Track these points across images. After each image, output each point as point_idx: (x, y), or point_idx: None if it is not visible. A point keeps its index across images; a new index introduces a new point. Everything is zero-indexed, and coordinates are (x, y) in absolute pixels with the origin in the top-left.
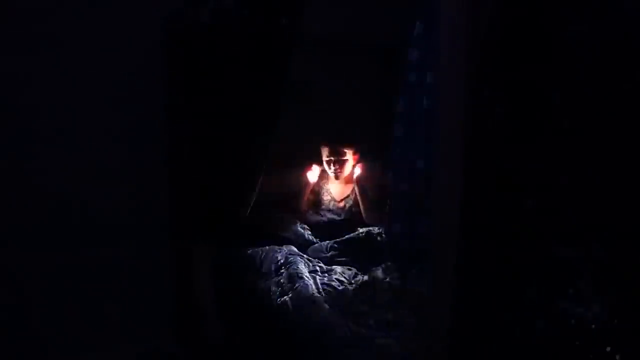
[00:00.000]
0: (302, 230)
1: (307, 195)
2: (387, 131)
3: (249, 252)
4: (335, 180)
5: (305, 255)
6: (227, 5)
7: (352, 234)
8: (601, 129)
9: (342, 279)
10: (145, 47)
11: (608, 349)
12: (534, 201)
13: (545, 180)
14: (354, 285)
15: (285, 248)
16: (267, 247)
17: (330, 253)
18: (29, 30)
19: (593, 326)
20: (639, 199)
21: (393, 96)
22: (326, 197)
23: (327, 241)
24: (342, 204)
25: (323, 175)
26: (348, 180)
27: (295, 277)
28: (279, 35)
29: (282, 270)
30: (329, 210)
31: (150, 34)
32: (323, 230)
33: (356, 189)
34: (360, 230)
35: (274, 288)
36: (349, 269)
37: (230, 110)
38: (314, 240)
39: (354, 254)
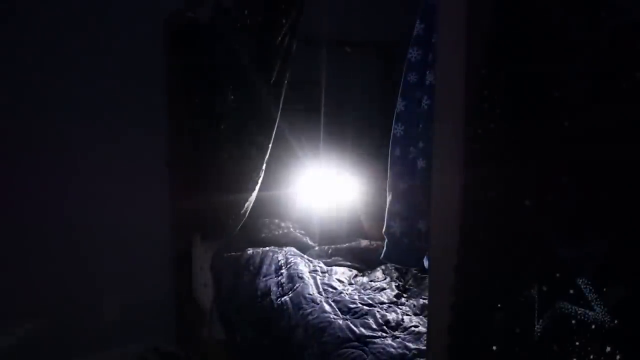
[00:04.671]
0: (302, 236)
1: None
2: (387, 131)
3: (249, 252)
4: None
5: (305, 256)
6: (227, 5)
7: (352, 243)
8: (602, 128)
9: (343, 279)
10: (146, 47)
11: (608, 349)
12: (534, 201)
13: (545, 180)
14: (353, 285)
15: (285, 249)
16: (267, 248)
17: (332, 258)
18: (30, 33)
19: (593, 326)
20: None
21: (393, 96)
22: None
23: (328, 246)
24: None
25: None
26: None
27: (296, 277)
28: (279, 35)
29: (282, 270)
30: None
31: (150, 34)
32: (323, 236)
33: None
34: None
35: (274, 288)
36: (350, 270)
37: (229, 111)
38: (314, 245)
39: (354, 260)
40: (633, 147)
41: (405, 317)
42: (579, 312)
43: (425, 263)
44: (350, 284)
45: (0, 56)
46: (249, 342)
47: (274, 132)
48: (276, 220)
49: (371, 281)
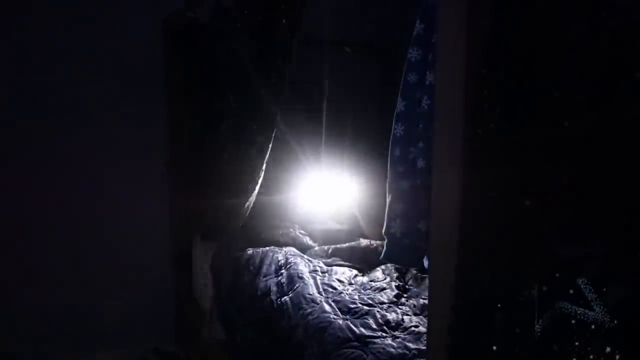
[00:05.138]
0: (302, 236)
1: None
2: (387, 131)
3: (249, 252)
4: None
5: (305, 256)
6: (227, 5)
7: (352, 243)
8: (601, 128)
9: (343, 279)
10: (146, 47)
11: (608, 349)
12: (534, 201)
13: (545, 180)
14: (353, 285)
15: (285, 249)
16: (267, 248)
17: (332, 258)
18: (29, 33)
19: (593, 326)
20: (639, 198)
21: (393, 96)
22: None
23: (328, 246)
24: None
25: None
26: None
27: (296, 277)
28: (279, 35)
29: (282, 271)
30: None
31: (150, 34)
32: (322, 236)
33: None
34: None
35: (274, 288)
36: (350, 270)
37: (229, 111)
38: (314, 245)
39: (354, 260)
40: (633, 147)
41: (405, 317)
42: (579, 312)
43: (425, 263)
44: (350, 284)
45: (0, 56)
46: (249, 342)
47: (274, 132)
48: (276, 220)
49: (371, 281)
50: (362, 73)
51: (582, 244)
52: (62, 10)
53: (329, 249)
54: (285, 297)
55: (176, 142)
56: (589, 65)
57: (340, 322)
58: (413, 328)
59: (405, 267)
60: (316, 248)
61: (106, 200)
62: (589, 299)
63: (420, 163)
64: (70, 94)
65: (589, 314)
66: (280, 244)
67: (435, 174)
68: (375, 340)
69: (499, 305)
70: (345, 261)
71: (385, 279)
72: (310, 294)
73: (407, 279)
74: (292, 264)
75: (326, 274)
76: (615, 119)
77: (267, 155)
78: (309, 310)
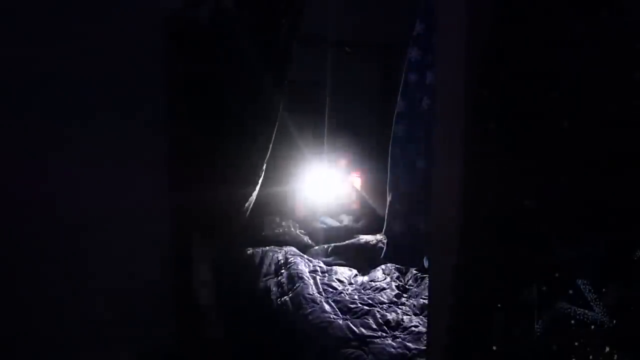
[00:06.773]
0: (301, 235)
1: None
2: (387, 131)
3: (249, 252)
4: None
5: (305, 255)
6: (227, 5)
7: (352, 240)
8: (601, 128)
9: (342, 279)
10: (145, 47)
11: (607, 349)
12: (534, 201)
13: (545, 180)
14: (353, 285)
15: (285, 248)
16: (267, 248)
17: (331, 257)
18: (27, 32)
19: (592, 327)
20: (638, 199)
21: (393, 96)
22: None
23: (327, 245)
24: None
25: None
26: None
27: (296, 277)
28: (278, 35)
29: (283, 270)
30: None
31: (150, 34)
32: (322, 234)
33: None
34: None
35: (274, 288)
36: (350, 270)
37: (230, 111)
38: (313, 244)
39: (354, 258)
40: (632, 147)
41: (405, 317)
42: (579, 312)
43: (425, 263)
44: (350, 283)
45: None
46: (249, 342)
47: (274, 132)
48: (277, 219)
49: (371, 281)
50: (362, 73)
51: (581, 244)
52: (60, 10)
53: (328, 247)
54: (285, 297)
55: (176, 142)
56: (588, 65)
57: (340, 322)
58: (413, 328)
59: (405, 267)
60: (316, 247)
61: (105, 198)
62: (589, 299)
63: (420, 163)
64: (69, 93)
65: (589, 314)
66: (280, 243)
67: (435, 174)
68: (375, 340)
69: (499, 305)
70: (345, 259)
71: (385, 278)
72: (310, 294)
73: (407, 279)
74: (292, 263)
75: (326, 274)
76: (614, 119)
77: (268, 156)
78: (309, 310)
